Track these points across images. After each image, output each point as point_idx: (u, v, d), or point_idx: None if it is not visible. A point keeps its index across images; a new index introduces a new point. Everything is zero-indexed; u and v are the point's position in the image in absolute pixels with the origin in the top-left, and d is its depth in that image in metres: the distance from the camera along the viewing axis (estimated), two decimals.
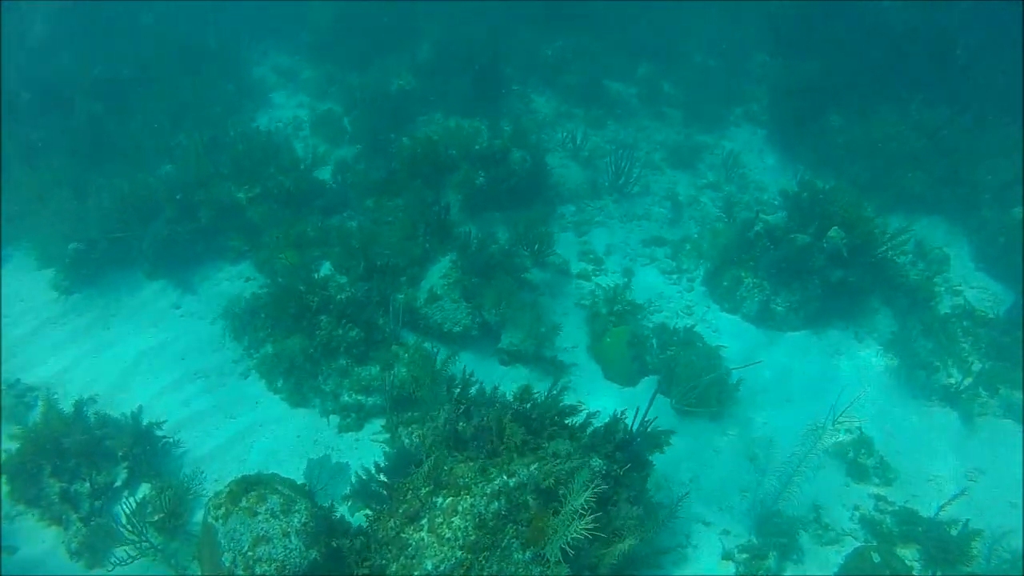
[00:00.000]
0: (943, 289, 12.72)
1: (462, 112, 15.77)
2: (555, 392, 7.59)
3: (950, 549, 8.34)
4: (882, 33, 17.68)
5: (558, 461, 6.54)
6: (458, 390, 7.81)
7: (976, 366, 11.09)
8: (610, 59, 18.53)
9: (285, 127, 15.65)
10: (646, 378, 10.07)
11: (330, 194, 12.67)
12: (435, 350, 9.62)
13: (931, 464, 9.71)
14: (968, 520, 8.45)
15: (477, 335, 10.22)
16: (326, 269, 11.02)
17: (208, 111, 15.33)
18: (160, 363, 10.03)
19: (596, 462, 6.82)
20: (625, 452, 7.01)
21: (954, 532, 8.44)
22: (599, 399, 9.71)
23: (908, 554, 8.46)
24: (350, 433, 9.20)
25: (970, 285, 13.27)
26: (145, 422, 8.79)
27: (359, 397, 9.31)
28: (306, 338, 9.58)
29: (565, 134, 15.11)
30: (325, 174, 13.15)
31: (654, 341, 10.39)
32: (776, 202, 12.78)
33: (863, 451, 9.56)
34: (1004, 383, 10.82)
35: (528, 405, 7.18)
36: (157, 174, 12.82)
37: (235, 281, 11.46)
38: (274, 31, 19.91)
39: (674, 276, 12.22)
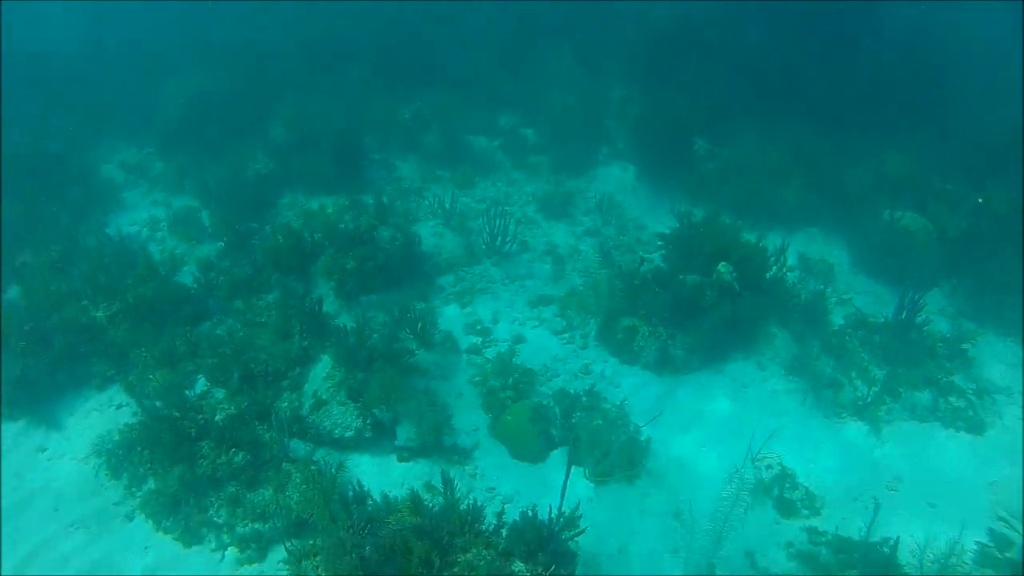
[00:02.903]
0: (833, 301, 13.38)
1: (324, 190, 15.67)
2: (450, 492, 7.38)
3: (885, 569, 8.60)
4: (735, 56, 18.81)
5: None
6: (354, 507, 7.49)
7: (878, 374, 11.67)
8: (470, 113, 18.85)
9: (140, 230, 15.01)
10: (555, 451, 10.01)
11: (196, 299, 12.18)
12: (328, 462, 9.32)
13: (854, 483, 10.08)
14: (898, 536, 8.74)
15: (372, 435, 9.95)
16: (201, 384, 10.59)
17: (55, 221, 14.52)
18: (29, 518, 9.14)
19: (517, 567, 6.64)
20: (546, 550, 6.86)
21: (886, 550, 8.69)
22: (510, 482, 9.59)
23: None
24: (252, 566, 8.65)
25: (856, 291, 14.06)
26: None
27: (256, 525, 8.87)
28: (189, 469, 9.13)
29: (433, 199, 15.12)
30: (188, 277, 12.66)
31: (556, 410, 10.35)
32: (658, 241, 13.14)
33: (787, 485, 9.80)
34: (904, 385, 11.46)
35: (428, 518, 6.93)
36: (4, 300, 12.01)
37: (106, 410, 10.72)
38: (120, 125, 19.31)
39: (566, 335, 12.28)
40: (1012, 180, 14.38)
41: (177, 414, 9.49)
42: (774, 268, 12.24)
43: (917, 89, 17.96)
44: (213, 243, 14.06)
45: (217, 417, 9.59)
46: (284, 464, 9.39)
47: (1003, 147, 15.45)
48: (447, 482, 7.77)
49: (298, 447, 9.84)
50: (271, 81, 19.84)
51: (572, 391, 10.67)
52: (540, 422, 9.96)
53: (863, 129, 17.23)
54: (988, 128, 15.98)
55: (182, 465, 9.18)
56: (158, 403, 9.85)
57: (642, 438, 10.06)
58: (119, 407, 10.76)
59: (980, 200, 14.47)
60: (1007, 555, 9.00)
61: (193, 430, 9.35)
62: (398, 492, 9.13)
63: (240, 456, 9.24)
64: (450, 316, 12.47)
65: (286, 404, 10.08)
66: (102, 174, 17.17)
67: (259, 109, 18.21)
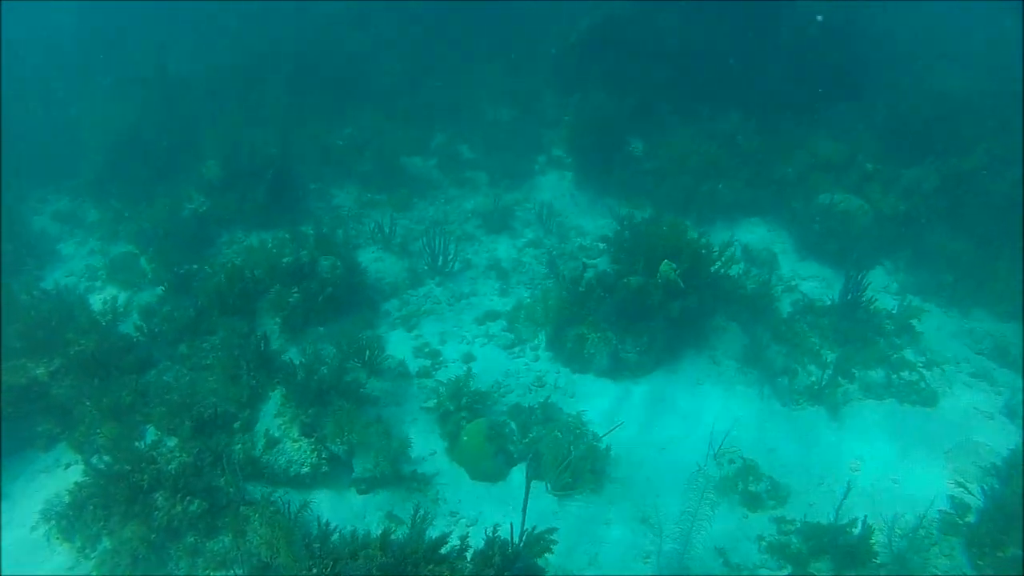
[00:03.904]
0: (780, 289, 13.60)
1: (262, 224, 15.48)
2: (419, 522, 7.28)
3: (856, 551, 8.72)
4: (660, 55, 19.09)
5: None
6: (318, 546, 7.34)
7: (830, 357, 11.90)
8: (404, 134, 18.79)
9: (78, 281, 14.62)
10: (515, 468, 9.95)
11: (139, 348, 11.88)
12: (286, 500, 9.16)
13: (817, 468, 10.25)
14: (865, 516, 8.87)
15: (328, 470, 9.81)
16: (151, 434, 10.30)
17: None
18: None
19: None
20: (512, 570, 6.78)
21: (856, 532, 8.80)
22: (472, 504, 9.50)
23: (822, 567, 8.82)
24: None
25: (801, 276, 14.35)
26: None
27: (218, 574, 8.69)
28: (144, 523, 8.90)
29: (373, 225, 15.02)
30: (130, 326, 12.35)
31: (513, 425, 10.30)
32: (601, 246, 13.22)
33: (751, 478, 9.89)
34: (856, 365, 11.72)
35: (392, 554, 6.80)
36: None
37: (53, 471, 10.35)
38: (49, 173, 18.64)
39: (516, 349, 12.26)
40: (937, 158, 14.86)
41: (128, 467, 9.23)
42: (718, 262, 12.37)
43: (843, 75, 18.47)
44: (153, 288, 13.80)
45: (170, 466, 9.37)
46: (241, 508, 9.20)
47: (926, 127, 15.97)
48: (416, 514, 7.65)
49: (255, 489, 9.64)
50: (197, 113, 19.46)
51: (527, 405, 10.64)
52: (497, 440, 9.91)
53: (794, 116, 17.68)
54: (911, 110, 16.49)
55: (136, 520, 8.94)
56: (107, 458, 9.58)
57: (602, 446, 10.04)
58: (67, 466, 10.41)
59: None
60: (967, 520, 9.22)
61: (145, 482, 9.12)
62: (360, 524, 9.08)
63: (196, 504, 9.04)
64: (397, 341, 12.35)
65: (239, 446, 9.92)
66: (34, 227, 16.70)
67: (189, 144, 17.91)
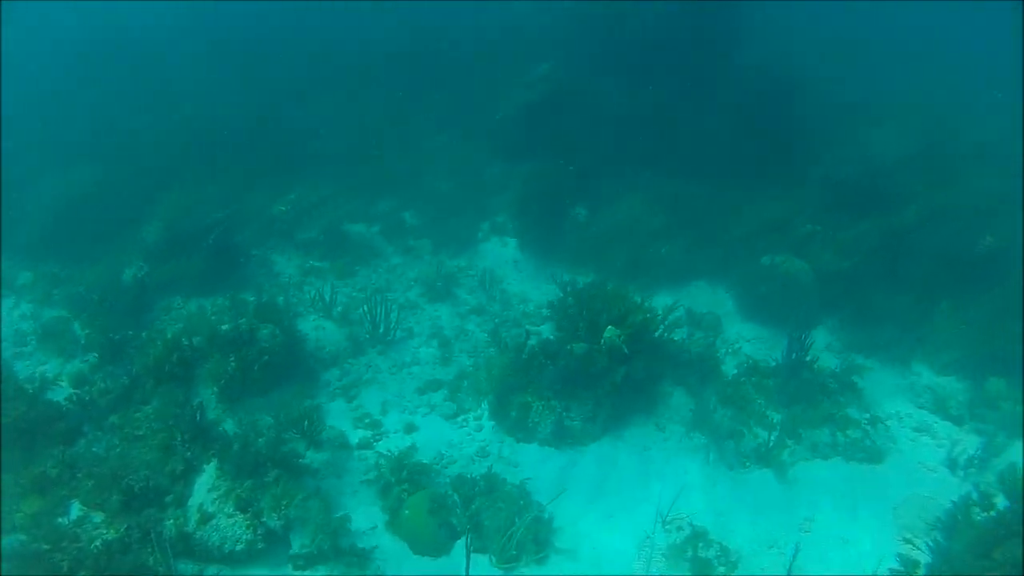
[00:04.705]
0: (724, 351, 13.81)
1: (203, 291, 15.31)
2: None
3: None
4: (605, 121, 19.62)
5: None
6: None
7: (775, 418, 12.03)
8: (348, 200, 18.90)
9: (5, 347, 14.17)
10: (458, 541, 9.70)
11: (69, 417, 11.56)
12: None
13: (766, 530, 10.26)
14: None
15: (264, 546, 9.49)
16: (76, 510, 9.92)
17: None
18: None
19: None
20: None
21: None
22: None
23: None
24: None
25: (746, 338, 14.61)
26: None
27: None
28: None
29: (314, 292, 14.95)
30: (60, 394, 12.01)
31: (456, 497, 10.12)
32: (544, 312, 13.31)
33: (700, 544, 9.82)
34: (802, 425, 11.87)
35: None
36: None
37: None
38: None
39: (459, 419, 12.16)
40: (874, 216, 15.43)
41: (47, 546, 8.89)
42: (661, 326, 12.51)
43: (784, 132, 19.12)
44: (86, 355, 13.46)
45: (93, 544, 9.02)
46: None
47: (864, 186, 16.62)
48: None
49: (186, 567, 9.28)
50: (147, 170, 19.30)
51: (470, 476, 10.49)
52: (440, 513, 9.73)
53: (736, 177, 18.15)
54: (846, 170, 17.19)
55: None
56: (22, 536, 9.22)
57: (546, 516, 9.94)
58: None
59: None
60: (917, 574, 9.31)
61: (65, 563, 8.73)
62: None
63: None
64: (337, 411, 12.18)
65: (171, 521, 9.58)
66: None
67: (132, 209, 17.65)
